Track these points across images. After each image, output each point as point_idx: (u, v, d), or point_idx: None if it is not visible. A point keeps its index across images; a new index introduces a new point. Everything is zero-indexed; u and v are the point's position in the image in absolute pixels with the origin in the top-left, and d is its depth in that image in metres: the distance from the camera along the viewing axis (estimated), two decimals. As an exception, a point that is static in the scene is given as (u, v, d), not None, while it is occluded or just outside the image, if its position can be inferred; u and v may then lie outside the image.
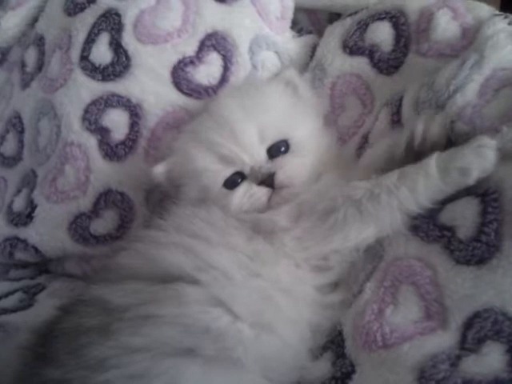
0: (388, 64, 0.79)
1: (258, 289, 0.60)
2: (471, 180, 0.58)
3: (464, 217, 0.58)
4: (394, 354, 0.55)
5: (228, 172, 0.69)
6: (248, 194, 0.68)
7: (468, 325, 0.53)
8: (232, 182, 0.69)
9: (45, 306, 0.83)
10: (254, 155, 0.69)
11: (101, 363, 0.54)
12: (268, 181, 0.68)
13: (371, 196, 0.61)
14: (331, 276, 0.65)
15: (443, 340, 0.54)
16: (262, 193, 0.68)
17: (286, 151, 0.71)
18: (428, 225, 0.61)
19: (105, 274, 0.66)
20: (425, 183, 0.59)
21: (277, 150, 0.70)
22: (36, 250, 0.92)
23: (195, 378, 0.55)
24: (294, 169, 0.69)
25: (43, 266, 0.99)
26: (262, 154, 0.70)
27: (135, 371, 0.54)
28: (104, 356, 0.54)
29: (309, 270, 0.64)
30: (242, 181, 0.69)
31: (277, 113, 0.72)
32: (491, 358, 0.50)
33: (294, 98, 0.75)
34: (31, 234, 0.91)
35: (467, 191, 0.59)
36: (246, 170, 0.69)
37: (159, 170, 0.74)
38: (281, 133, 0.71)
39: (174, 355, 0.55)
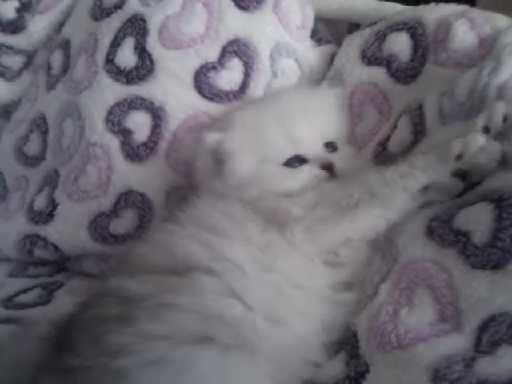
0: (405, 73, 0.80)
1: (271, 282, 0.62)
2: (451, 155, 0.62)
3: (479, 222, 0.58)
4: (409, 355, 0.55)
5: (292, 152, 0.74)
6: (312, 176, 0.72)
7: (483, 328, 0.53)
8: (291, 163, 0.73)
9: (63, 302, 0.85)
10: (317, 144, 0.75)
11: (119, 350, 0.55)
12: (328, 167, 0.73)
13: (382, 178, 0.64)
14: (344, 273, 0.66)
15: (458, 342, 0.54)
16: (323, 177, 0.72)
17: (335, 150, 0.78)
18: (443, 229, 0.61)
19: (122, 267, 0.68)
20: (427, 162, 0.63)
21: (330, 147, 0.77)
22: (55, 247, 0.93)
23: (211, 365, 0.56)
24: (347, 162, 0.75)
25: (61, 265, 1.00)
26: (322, 146, 0.76)
27: (152, 357, 0.55)
28: (122, 343, 0.56)
29: (321, 264, 0.65)
30: (300, 164, 0.74)
31: (334, 115, 0.81)
32: (506, 360, 0.50)
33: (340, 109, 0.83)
34: (51, 231, 0.93)
35: (482, 197, 0.60)
36: (309, 156, 0.74)
37: (213, 137, 0.74)
38: (334, 133, 0.79)
39: (191, 342, 0.57)
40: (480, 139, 0.61)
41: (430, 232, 0.62)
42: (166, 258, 0.63)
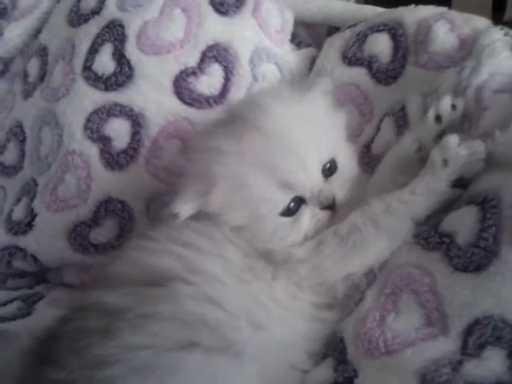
0: (386, 74, 0.80)
1: (249, 293, 0.61)
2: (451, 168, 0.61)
3: (463, 223, 0.58)
4: (397, 360, 0.55)
5: (287, 199, 0.64)
6: (314, 220, 0.65)
7: (469, 331, 0.53)
8: (289, 210, 0.64)
9: (44, 314, 0.83)
10: (314, 178, 0.65)
11: (104, 360, 0.54)
12: (331, 204, 0.65)
13: (387, 209, 0.62)
14: (330, 297, 0.65)
15: (445, 346, 0.54)
16: (326, 217, 0.65)
17: (335, 170, 0.67)
18: (429, 232, 0.61)
19: (101, 282, 0.66)
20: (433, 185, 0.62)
21: (329, 169, 0.66)
22: (35, 258, 0.91)
23: (196, 365, 0.55)
24: (349, 188, 0.67)
25: (41, 276, 0.99)
26: (320, 176, 0.65)
27: (138, 365, 0.54)
28: (107, 354, 0.55)
29: (310, 292, 0.64)
30: (299, 206, 0.65)
31: (327, 128, 0.68)
32: (492, 363, 0.50)
33: (331, 110, 0.71)
34: (30, 242, 0.91)
35: (467, 200, 0.60)
36: (307, 195, 0.64)
37: (186, 209, 0.64)
38: (331, 151, 0.67)
39: (176, 350, 0.56)
40: (453, 138, 0.61)
41: (416, 235, 0.62)
42: (144, 273, 0.62)
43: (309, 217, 0.65)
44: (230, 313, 0.58)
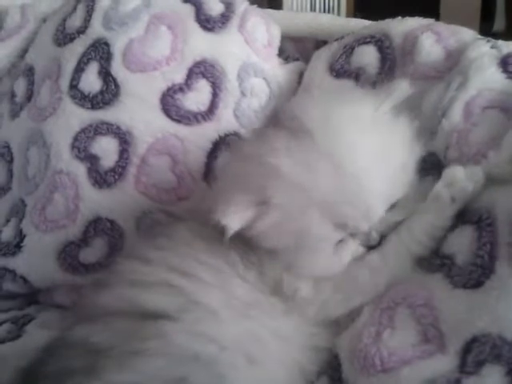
0: (374, 86, 0.80)
1: (247, 329, 0.59)
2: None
3: (461, 243, 0.58)
4: (394, 378, 0.54)
5: (339, 237, 0.60)
6: (354, 255, 0.61)
7: (467, 349, 0.52)
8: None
9: (34, 337, 0.81)
10: (374, 222, 0.60)
11: None
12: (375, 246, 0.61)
13: (396, 251, 0.61)
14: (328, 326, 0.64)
15: (442, 364, 0.53)
16: (363, 252, 0.62)
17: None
18: (430, 255, 0.61)
19: (86, 312, 0.63)
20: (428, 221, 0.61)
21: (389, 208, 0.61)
22: (24, 280, 0.90)
23: None
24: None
25: (32, 297, 0.97)
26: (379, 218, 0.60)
27: None
28: None
29: (313, 326, 0.63)
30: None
31: (405, 164, 0.60)
32: (491, 380, 0.49)
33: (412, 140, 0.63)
34: (19, 264, 0.89)
35: (463, 220, 0.60)
36: (358, 234, 0.60)
37: (237, 219, 0.58)
38: (403, 190, 0.61)
39: None
40: (459, 170, 0.60)
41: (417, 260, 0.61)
42: (131, 306, 0.59)
43: (350, 253, 0.61)
44: (224, 348, 0.56)
